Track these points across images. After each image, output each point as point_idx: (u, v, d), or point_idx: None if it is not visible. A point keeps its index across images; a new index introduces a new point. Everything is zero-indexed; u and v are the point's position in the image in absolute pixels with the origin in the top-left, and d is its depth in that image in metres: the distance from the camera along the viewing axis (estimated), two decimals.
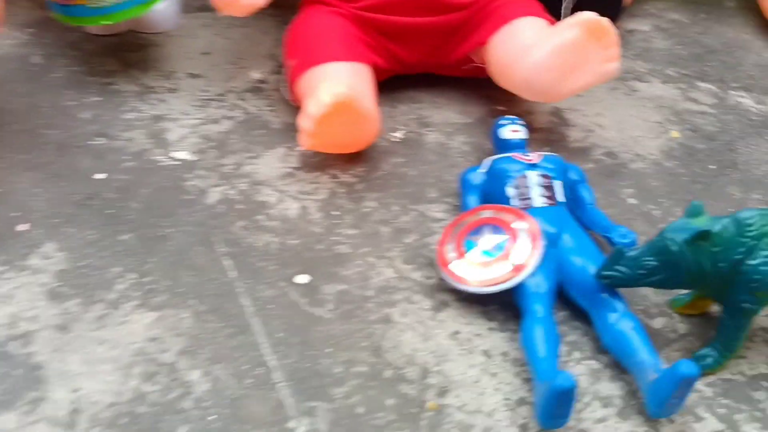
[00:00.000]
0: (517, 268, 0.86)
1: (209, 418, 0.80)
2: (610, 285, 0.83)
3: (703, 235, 0.75)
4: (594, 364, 0.86)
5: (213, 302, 0.90)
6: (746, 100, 1.25)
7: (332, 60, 1.04)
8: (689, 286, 0.79)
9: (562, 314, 0.91)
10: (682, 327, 0.90)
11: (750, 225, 0.75)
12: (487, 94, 1.22)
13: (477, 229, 0.91)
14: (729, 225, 0.76)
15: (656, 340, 0.89)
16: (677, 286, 0.80)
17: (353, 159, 1.09)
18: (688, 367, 0.73)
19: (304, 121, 0.97)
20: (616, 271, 0.80)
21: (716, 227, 0.76)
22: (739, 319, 0.79)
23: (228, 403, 0.81)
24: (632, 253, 0.80)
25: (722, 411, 0.82)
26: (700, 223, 0.77)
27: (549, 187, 0.95)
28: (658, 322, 0.91)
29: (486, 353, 0.86)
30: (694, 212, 0.78)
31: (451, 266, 0.89)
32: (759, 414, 0.82)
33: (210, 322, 0.88)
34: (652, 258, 0.78)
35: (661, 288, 0.81)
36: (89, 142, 1.10)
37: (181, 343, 0.86)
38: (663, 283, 0.80)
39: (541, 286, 0.86)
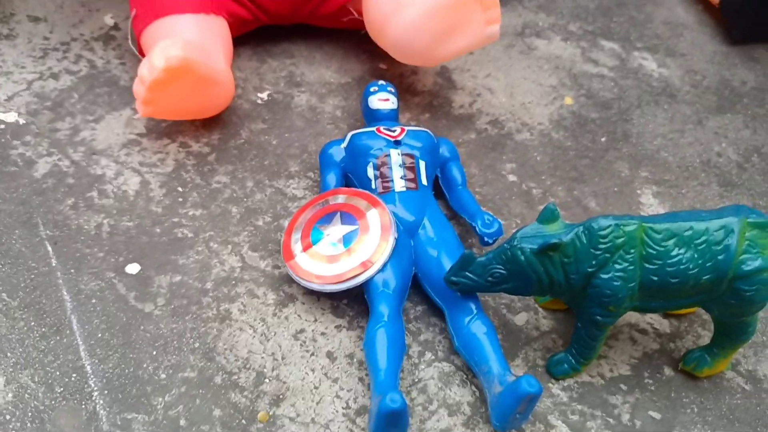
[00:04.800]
0: (365, 264, 0.78)
1: None
2: (458, 291, 0.76)
3: (552, 247, 0.68)
4: (446, 366, 0.80)
5: (27, 296, 0.80)
6: (649, 63, 1.17)
7: (177, 12, 0.91)
8: (542, 294, 0.73)
9: (419, 309, 0.84)
10: (545, 323, 0.85)
11: (604, 237, 0.68)
12: (370, 49, 1.11)
13: (327, 217, 0.82)
14: (581, 235, 0.69)
15: (517, 337, 0.83)
16: (529, 294, 0.73)
17: (208, 124, 0.98)
18: (530, 384, 0.67)
19: (137, 87, 0.85)
20: (465, 277, 0.73)
21: (567, 237, 0.69)
22: (593, 330, 0.73)
23: (33, 416, 0.72)
24: (481, 259, 0.72)
25: (575, 418, 0.77)
26: (553, 230, 0.70)
27: (412, 168, 0.86)
28: (521, 318, 0.85)
29: (330, 355, 0.79)
30: (547, 217, 0.70)
31: (296, 260, 0.81)
32: (612, 421, 0.77)
33: (21, 320, 0.78)
34: (500, 266, 0.71)
35: (514, 295, 0.75)
36: None
37: None
38: (514, 291, 0.73)
39: (390, 283, 0.78)
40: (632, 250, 0.69)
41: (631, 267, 0.70)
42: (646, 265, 0.70)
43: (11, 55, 1.03)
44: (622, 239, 0.69)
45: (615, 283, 0.69)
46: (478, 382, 0.79)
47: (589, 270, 0.70)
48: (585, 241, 0.69)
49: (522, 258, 0.70)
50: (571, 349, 0.78)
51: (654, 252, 0.69)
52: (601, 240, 0.68)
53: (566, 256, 0.69)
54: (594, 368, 0.81)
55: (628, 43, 1.20)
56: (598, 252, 0.68)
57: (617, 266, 0.69)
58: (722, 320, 0.75)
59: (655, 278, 0.70)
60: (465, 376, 0.79)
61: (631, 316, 0.86)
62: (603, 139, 1.05)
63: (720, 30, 1.24)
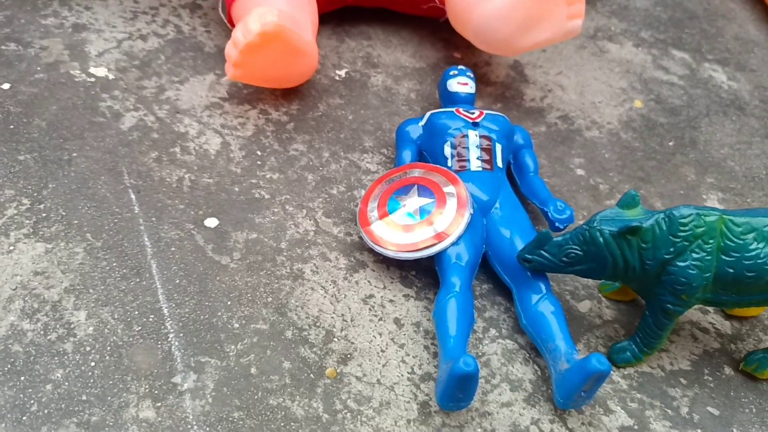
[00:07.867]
0: (439, 236, 0.80)
1: (89, 365, 0.74)
2: (531, 269, 0.77)
3: (632, 230, 0.69)
4: (509, 344, 0.81)
5: (111, 239, 0.83)
6: (719, 75, 1.18)
7: None
8: (614, 279, 0.74)
9: (485, 287, 0.86)
10: (608, 313, 0.86)
11: (684, 225, 0.69)
12: (446, 38, 1.13)
13: (404, 188, 0.84)
14: (661, 222, 0.70)
15: (580, 324, 0.84)
16: (602, 278, 0.74)
17: (288, 95, 1.00)
18: (600, 362, 0.69)
19: (230, 49, 0.88)
20: (539, 255, 0.75)
21: (647, 222, 0.70)
22: (662, 318, 0.74)
23: (111, 350, 0.75)
24: (557, 239, 0.74)
25: (634, 406, 0.78)
26: (633, 215, 0.71)
27: (488, 150, 0.88)
28: (584, 306, 0.86)
29: (397, 321, 0.81)
30: (628, 202, 0.72)
31: (371, 227, 0.83)
32: (671, 412, 0.78)
33: (104, 260, 0.81)
34: (577, 247, 0.72)
35: (585, 277, 0.76)
36: None
37: (69, 280, 0.79)
38: (587, 273, 0.74)
39: (462, 256, 0.80)
40: (711, 241, 0.70)
41: (708, 257, 0.71)
42: (723, 257, 0.71)
43: (103, 14, 1.06)
44: (702, 229, 0.70)
45: (691, 272, 0.70)
46: (540, 361, 0.80)
47: (666, 257, 0.71)
48: (665, 228, 0.70)
49: (600, 239, 0.71)
50: (636, 337, 0.79)
51: (732, 244, 0.70)
52: (681, 228, 0.69)
53: (644, 241, 0.71)
54: (654, 360, 0.82)
55: (698, 54, 1.21)
56: (677, 239, 0.70)
57: (695, 255, 0.70)
58: None
59: (731, 271, 0.71)
60: (528, 355, 0.80)
61: (693, 314, 0.87)
62: (671, 143, 1.06)
63: None
